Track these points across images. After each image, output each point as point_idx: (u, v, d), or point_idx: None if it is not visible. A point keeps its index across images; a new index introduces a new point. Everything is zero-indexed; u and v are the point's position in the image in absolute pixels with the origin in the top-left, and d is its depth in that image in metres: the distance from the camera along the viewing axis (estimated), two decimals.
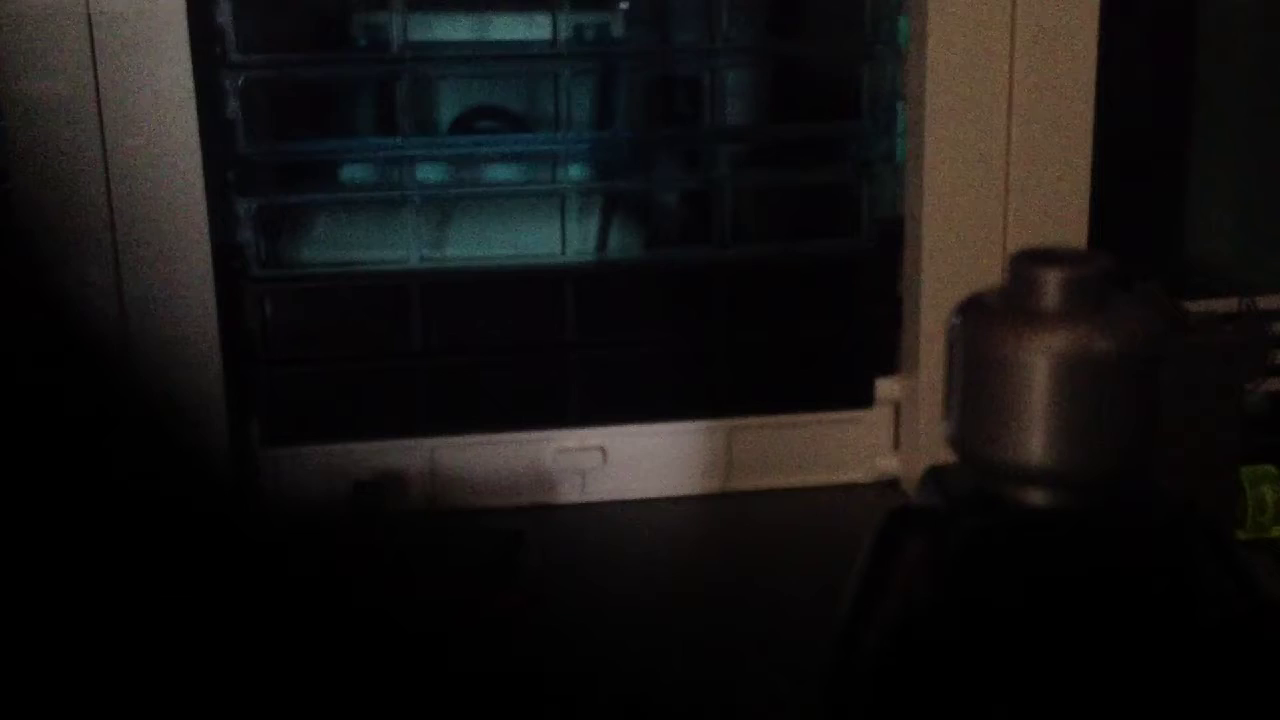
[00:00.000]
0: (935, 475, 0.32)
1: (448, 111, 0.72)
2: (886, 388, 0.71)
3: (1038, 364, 0.28)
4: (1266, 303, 0.71)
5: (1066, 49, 0.64)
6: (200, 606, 0.57)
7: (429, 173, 0.68)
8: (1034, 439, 0.29)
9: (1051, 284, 0.29)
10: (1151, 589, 0.29)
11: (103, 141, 0.61)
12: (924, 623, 0.30)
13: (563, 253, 0.68)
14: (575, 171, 0.68)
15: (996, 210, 0.66)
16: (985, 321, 0.30)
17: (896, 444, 0.71)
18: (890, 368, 0.71)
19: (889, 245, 0.69)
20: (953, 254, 0.66)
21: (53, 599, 0.57)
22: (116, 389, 0.63)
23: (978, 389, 0.30)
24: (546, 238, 0.68)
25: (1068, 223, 0.66)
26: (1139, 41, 0.76)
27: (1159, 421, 0.29)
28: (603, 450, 0.69)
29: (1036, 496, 0.29)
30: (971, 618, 0.30)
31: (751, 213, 0.70)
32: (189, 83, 0.61)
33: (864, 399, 0.71)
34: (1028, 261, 0.29)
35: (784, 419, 0.71)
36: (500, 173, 0.69)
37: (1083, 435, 0.29)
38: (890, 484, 0.71)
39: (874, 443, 0.71)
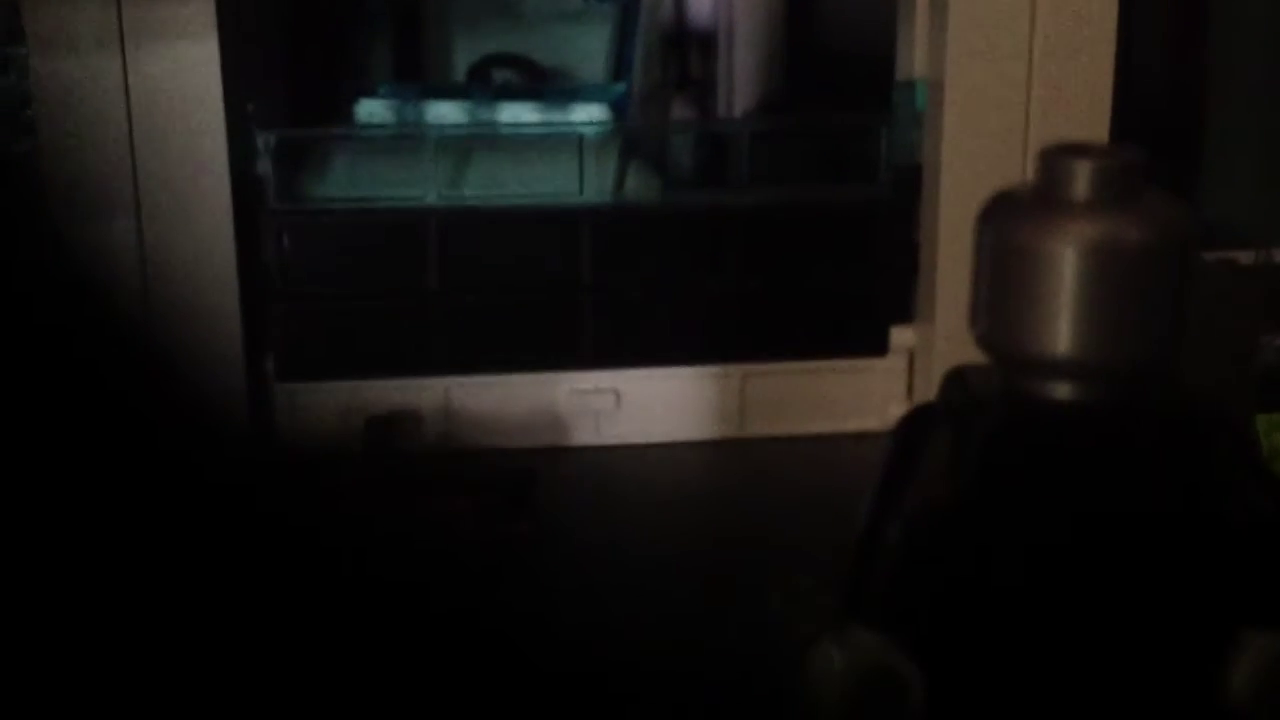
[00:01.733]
0: (958, 375, 0.32)
1: (464, 59, 0.72)
2: (901, 336, 0.71)
3: (1066, 254, 0.28)
4: None
5: None
6: (214, 541, 0.57)
7: (446, 114, 0.68)
8: (1061, 330, 0.29)
9: (1081, 174, 0.29)
10: (1178, 484, 0.29)
11: (124, 69, 0.61)
12: (946, 518, 0.30)
13: (580, 193, 0.68)
14: (593, 114, 0.68)
15: (1015, 159, 0.66)
16: (1014, 214, 0.30)
17: (910, 392, 0.71)
18: (905, 316, 0.71)
19: (906, 193, 0.69)
20: (970, 202, 0.64)
21: (69, 538, 0.57)
22: (132, 321, 0.63)
23: (1006, 282, 0.30)
24: (564, 178, 0.68)
25: None
26: None
27: (1186, 315, 0.29)
28: (616, 393, 0.69)
29: (1063, 390, 0.29)
30: (993, 512, 0.30)
31: (769, 158, 0.70)
32: (211, 13, 0.61)
33: (879, 347, 0.71)
34: (1057, 154, 0.29)
35: (798, 365, 0.70)
36: (518, 115, 0.69)
37: (1111, 326, 0.29)
38: None
39: (888, 391, 0.71)
